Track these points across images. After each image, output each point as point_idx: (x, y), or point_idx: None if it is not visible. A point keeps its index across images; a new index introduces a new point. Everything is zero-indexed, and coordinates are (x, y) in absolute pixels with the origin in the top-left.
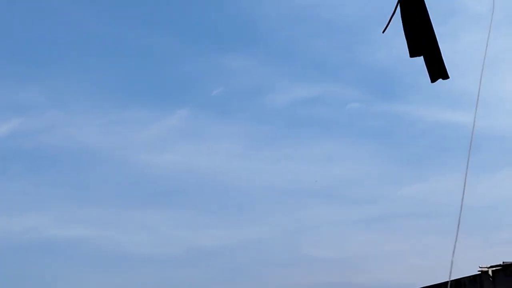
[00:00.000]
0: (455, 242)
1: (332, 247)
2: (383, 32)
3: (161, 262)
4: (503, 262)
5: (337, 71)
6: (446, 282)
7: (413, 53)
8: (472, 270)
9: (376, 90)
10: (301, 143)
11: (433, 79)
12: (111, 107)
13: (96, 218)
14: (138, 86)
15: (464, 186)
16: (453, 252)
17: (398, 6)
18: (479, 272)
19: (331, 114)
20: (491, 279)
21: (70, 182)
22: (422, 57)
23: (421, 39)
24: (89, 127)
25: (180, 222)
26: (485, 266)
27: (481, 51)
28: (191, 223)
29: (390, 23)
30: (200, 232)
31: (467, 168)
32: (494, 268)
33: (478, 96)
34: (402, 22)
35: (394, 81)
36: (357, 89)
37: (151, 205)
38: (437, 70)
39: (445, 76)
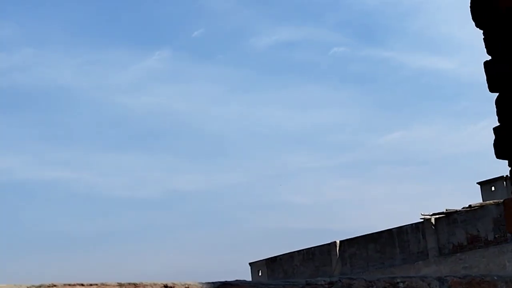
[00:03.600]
0: None
1: (309, 193)
2: None
3: (136, 205)
4: (446, 210)
5: (322, 14)
6: (391, 230)
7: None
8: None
9: (361, 34)
10: (282, 88)
11: None
12: (88, 47)
13: (71, 160)
14: (117, 26)
15: None
16: None
17: None
18: (421, 220)
19: (314, 58)
20: (433, 227)
21: (44, 123)
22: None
23: None
24: (65, 67)
25: (156, 166)
26: (428, 214)
27: None
28: (168, 166)
29: None
30: (177, 176)
31: None
32: (436, 216)
33: None
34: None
35: (380, 26)
36: (342, 33)
37: (127, 147)
38: None
39: None
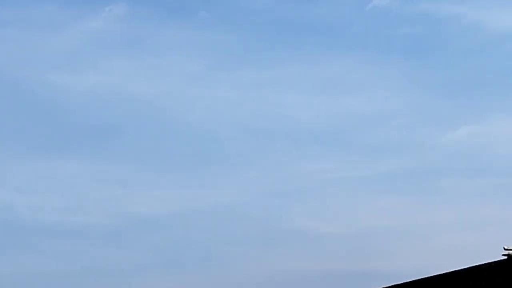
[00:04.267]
0: None
1: (337, 217)
2: None
3: (75, 235)
4: None
5: None
6: (458, 272)
7: None
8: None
9: None
10: (296, 61)
11: None
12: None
13: None
14: None
15: None
16: None
17: None
18: (505, 257)
19: (341, 16)
20: None
21: None
22: None
23: None
24: None
25: (105, 178)
26: None
27: None
28: (123, 179)
29: None
30: (137, 192)
31: None
32: None
33: None
34: None
35: None
36: None
37: (61, 151)
38: None
39: None
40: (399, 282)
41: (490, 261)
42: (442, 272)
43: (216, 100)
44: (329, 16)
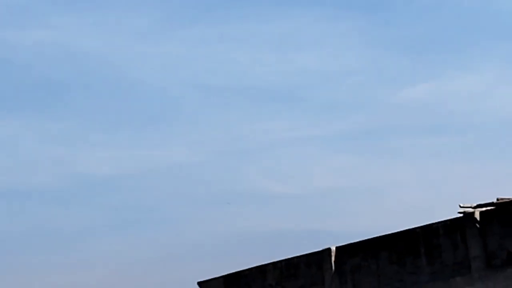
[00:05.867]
0: None
1: (292, 177)
2: None
3: (21, 197)
4: (498, 200)
5: None
6: (413, 230)
7: None
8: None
9: None
10: (244, 17)
11: None
12: None
13: None
14: None
15: None
16: None
17: None
18: (461, 215)
19: None
20: (478, 225)
21: None
22: None
23: None
24: None
25: (52, 137)
26: (470, 206)
27: None
28: (70, 138)
29: None
30: (85, 153)
31: None
32: (483, 209)
33: None
34: None
35: None
36: None
37: (3, 109)
38: None
39: None
40: (353, 241)
41: (443, 219)
42: (397, 231)
43: (166, 57)
44: None
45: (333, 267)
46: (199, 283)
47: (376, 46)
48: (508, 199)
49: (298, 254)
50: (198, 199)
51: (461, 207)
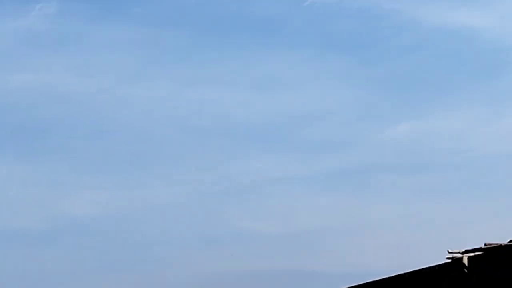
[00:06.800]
0: None
1: (275, 217)
2: None
3: (5, 239)
4: (486, 245)
5: None
6: (402, 276)
7: None
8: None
9: None
10: (228, 58)
11: None
12: None
13: None
14: None
15: None
16: None
17: None
18: (449, 260)
19: (278, 12)
20: (466, 270)
21: None
22: None
23: None
24: None
25: (37, 179)
26: (458, 251)
27: None
28: (55, 180)
29: None
30: (70, 194)
31: None
32: (471, 254)
33: None
34: None
35: None
36: None
37: None
38: None
39: None
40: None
41: (431, 265)
42: (386, 277)
43: (151, 98)
44: (266, 12)
45: None
46: None
47: (359, 86)
48: (496, 244)
49: None
50: (181, 240)
51: (449, 252)
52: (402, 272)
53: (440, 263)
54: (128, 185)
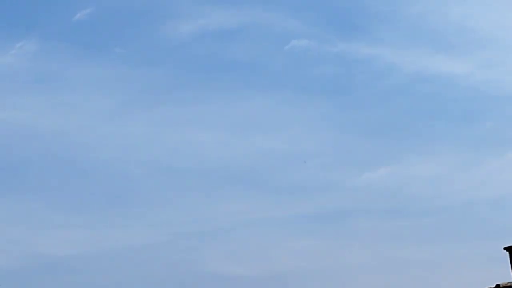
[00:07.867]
0: None
1: (254, 260)
2: None
3: None
4: (496, 285)
5: None
6: None
7: None
8: None
9: (331, 22)
10: (209, 98)
11: None
12: None
13: None
14: None
15: None
16: None
17: None
18: None
19: (260, 54)
20: None
21: None
22: None
23: None
24: None
25: (12, 217)
26: None
27: None
28: (30, 218)
29: None
30: (44, 233)
31: None
32: None
33: None
34: None
35: (360, 11)
36: (303, 19)
37: None
38: None
39: None
40: None
41: None
42: None
43: (129, 138)
44: (248, 54)
45: None
46: None
47: (337, 130)
48: (507, 284)
49: None
50: (155, 281)
51: None
52: None
53: None
54: (103, 224)
